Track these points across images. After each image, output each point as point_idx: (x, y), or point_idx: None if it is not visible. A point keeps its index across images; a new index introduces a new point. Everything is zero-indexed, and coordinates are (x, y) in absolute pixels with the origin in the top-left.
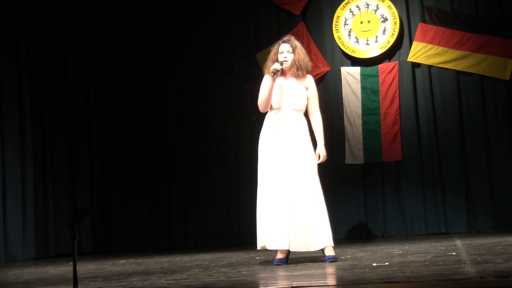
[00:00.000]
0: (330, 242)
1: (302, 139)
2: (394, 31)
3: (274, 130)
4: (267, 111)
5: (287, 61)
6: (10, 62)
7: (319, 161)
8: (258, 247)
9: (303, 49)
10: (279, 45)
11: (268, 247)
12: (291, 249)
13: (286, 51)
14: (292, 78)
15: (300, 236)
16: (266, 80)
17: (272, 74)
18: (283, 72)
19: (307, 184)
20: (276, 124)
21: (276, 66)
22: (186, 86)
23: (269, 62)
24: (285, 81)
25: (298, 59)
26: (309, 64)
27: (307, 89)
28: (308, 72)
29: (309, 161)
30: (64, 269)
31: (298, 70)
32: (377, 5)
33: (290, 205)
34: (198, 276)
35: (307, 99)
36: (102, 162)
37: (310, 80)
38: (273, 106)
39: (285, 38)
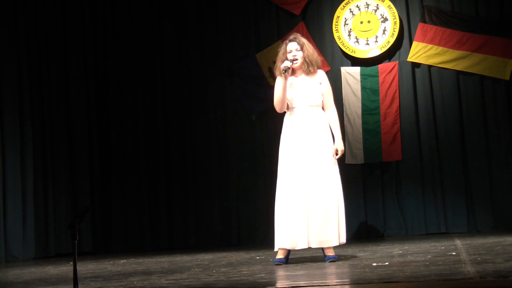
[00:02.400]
0: (344, 239)
1: (322, 137)
2: (394, 31)
3: (293, 129)
4: (285, 112)
5: (297, 59)
6: (10, 62)
7: (337, 156)
8: (277, 249)
9: (310, 45)
10: (286, 44)
11: (288, 247)
12: (313, 246)
13: (295, 49)
14: (302, 75)
15: (323, 232)
16: (279, 81)
17: (283, 72)
18: (293, 71)
19: (328, 181)
20: (295, 122)
21: (286, 64)
22: (186, 86)
23: (278, 63)
24: (296, 79)
25: (308, 55)
26: (319, 59)
27: (320, 84)
28: (318, 67)
29: (329, 159)
30: (64, 269)
31: (309, 66)
32: (377, 5)
33: (311, 203)
34: (198, 276)
35: (322, 95)
36: (102, 162)
37: (322, 75)
38: (290, 105)
39: (292, 37)
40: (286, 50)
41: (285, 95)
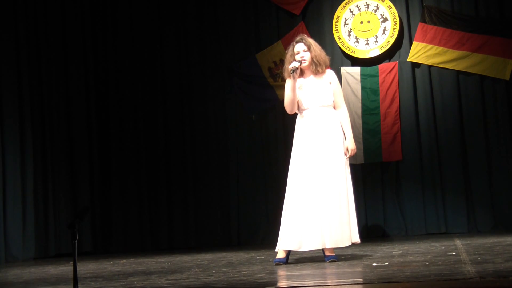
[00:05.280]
0: (358, 239)
1: (334, 138)
2: (394, 31)
3: (306, 130)
4: (297, 113)
5: (305, 60)
6: (10, 62)
7: (348, 155)
8: (277, 249)
9: (317, 45)
10: (293, 46)
11: (294, 249)
12: (326, 246)
13: (302, 50)
14: (311, 76)
15: (335, 232)
16: (288, 82)
17: (291, 72)
18: (302, 73)
19: (339, 182)
20: (307, 124)
21: (294, 64)
22: (186, 87)
23: (286, 65)
24: (305, 80)
25: (315, 56)
26: (327, 58)
27: (330, 83)
28: (327, 67)
29: (341, 161)
30: (64, 269)
31: (318, 67)
32: (377, 5)
33: (323, 204)
34: (198, 276)
35: (333, 94)
36: (102, 162)
37: (331, 75)
38: (301, 107)
39: (298, 38)
40: (293, 52)
41: (294, 96)
